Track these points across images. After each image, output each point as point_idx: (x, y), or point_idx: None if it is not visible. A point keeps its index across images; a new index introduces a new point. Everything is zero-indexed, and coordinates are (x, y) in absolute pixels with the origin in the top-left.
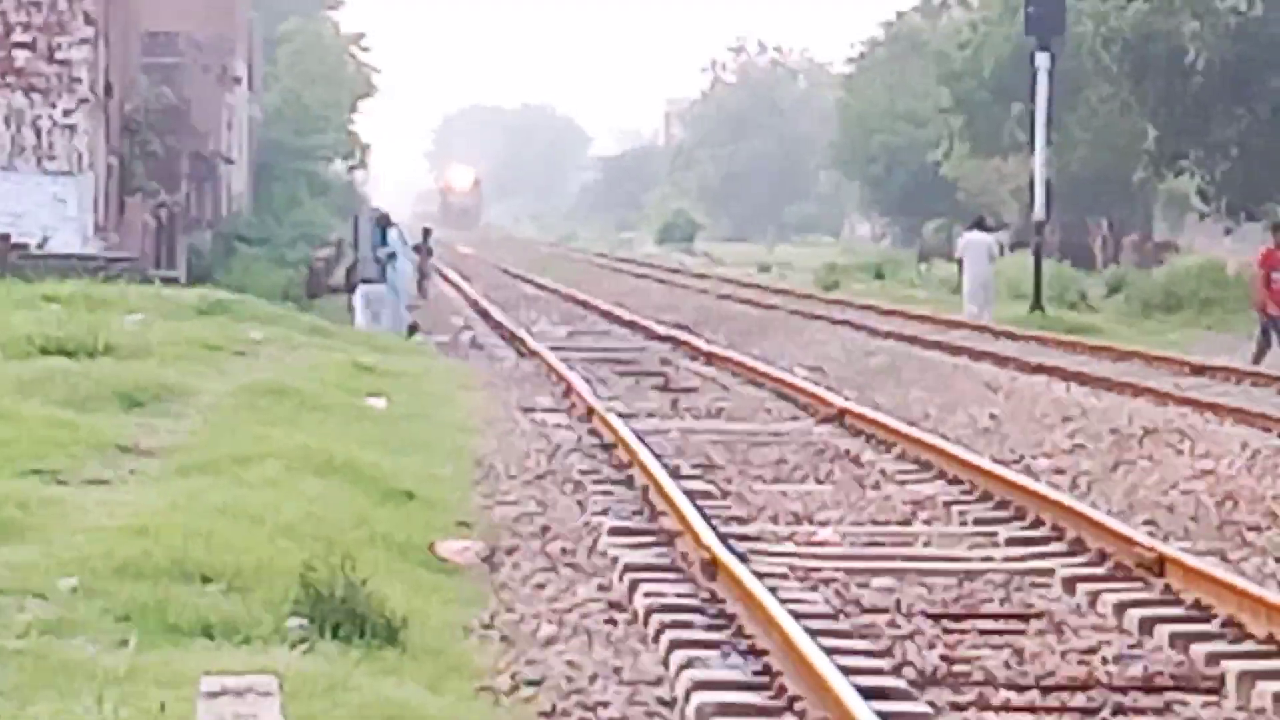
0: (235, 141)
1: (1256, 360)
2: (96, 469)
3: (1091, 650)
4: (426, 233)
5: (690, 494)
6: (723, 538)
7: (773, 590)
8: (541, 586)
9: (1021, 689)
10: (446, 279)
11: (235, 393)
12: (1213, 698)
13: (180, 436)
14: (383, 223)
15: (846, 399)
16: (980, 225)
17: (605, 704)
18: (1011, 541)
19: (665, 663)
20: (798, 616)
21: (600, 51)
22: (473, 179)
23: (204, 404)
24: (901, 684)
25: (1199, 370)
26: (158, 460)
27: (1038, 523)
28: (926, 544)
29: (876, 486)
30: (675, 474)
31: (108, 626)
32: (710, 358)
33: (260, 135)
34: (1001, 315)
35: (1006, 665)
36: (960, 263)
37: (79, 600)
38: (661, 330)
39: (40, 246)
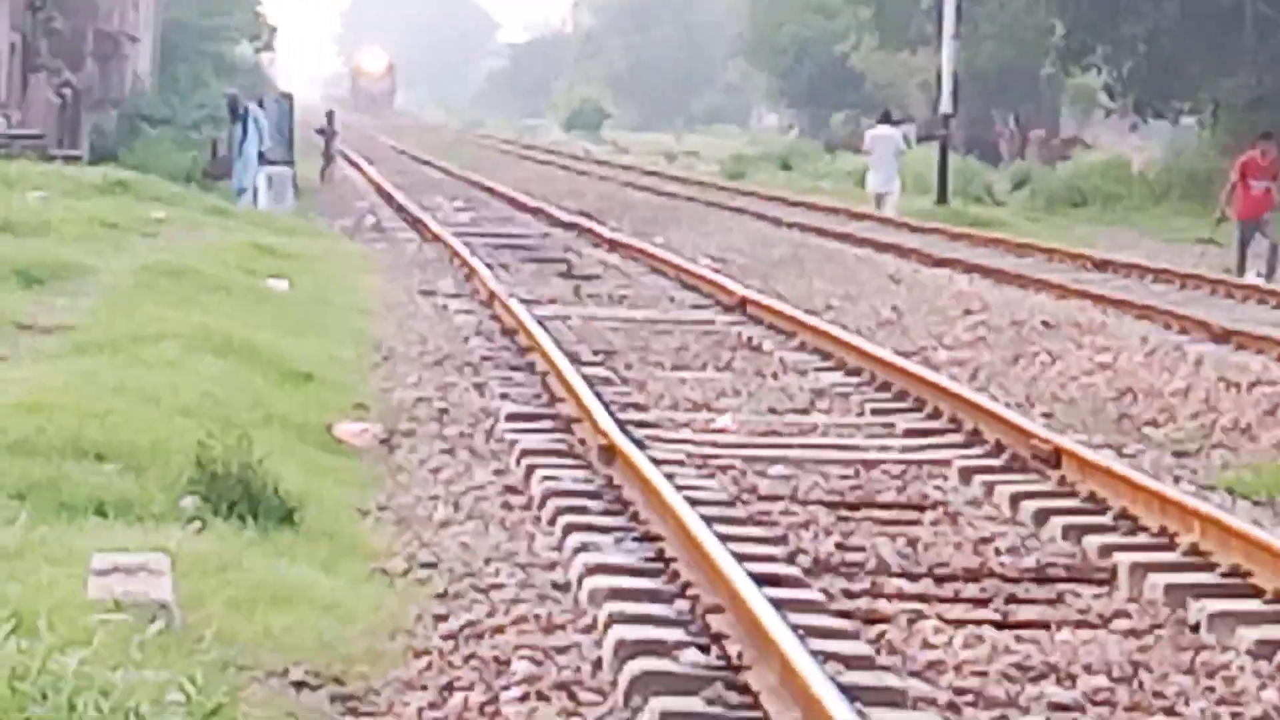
0: (140, 20)
1: (1240, 270)
2: None
3: (985, 541)
4: (330, 116)
5: (589, 380)
6: (621, 424)
7: (669, 477)
8: (438, 470)
9: (915, 578)
10: (351, 162)
11: (135, 272)
12: (1104, 589)
13: (79, 315)
14: (233, 103)
15: (749, 288)
16: (887, 119)
17: (499, 586)
18: (909, 432)
19: (560, 547)
20: (693, 503)
21: None
22: (386, 62)
23: (103, 283)
24: (795, 571)
25: (1101, 265)
26: (55, 338)
27: (936, 414)
28: (824, 433)
29: (776, 376)
30: (575, 360)
31: (1, 503)
32: (614, 245)
33: (166, 15)
34: (907, 208)
35: (900, 555)
36: (868, 155)
37: None
38: (565, 217)
39: None
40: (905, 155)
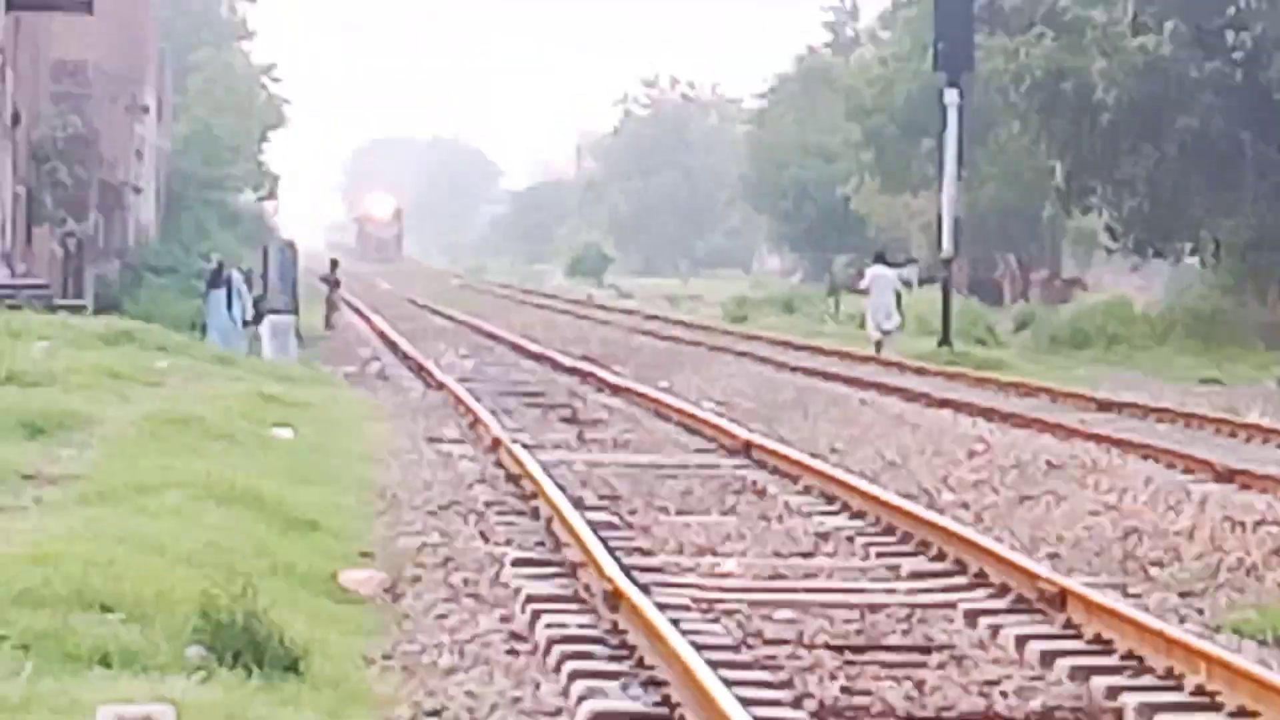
0: (144, 171)
1: None
2: None
3: (992, 683)
4: (333, 264)
5: (594, 525)
6: (626, 569)
7: (674, 622)
8: (444, 617)
9: None
10: (354, 309)
11: (139, 421)
12: None
13: (83, 465)
14: (215, 273)
15: (753, 432)
16: (882, 259)
17: None
18: (914, 575)
19: (565, 693)
20: (699, 648)
21: (512, 83)
22: (393, 207)
23: (108, 432)
24: (802, 716)
25: (1105, 406)
26: (60, 488)
27: (941, 556)
28: (830, 577)
29: (781, 519)
30: (579, 505)
31: (5, 654)
32: (617, 390)
33: (169, 165)
34: (909, 350)
35: (907, 698)
36: (866, 294)
37: None
38: (569, 363)
39: None
40: (903, 295)
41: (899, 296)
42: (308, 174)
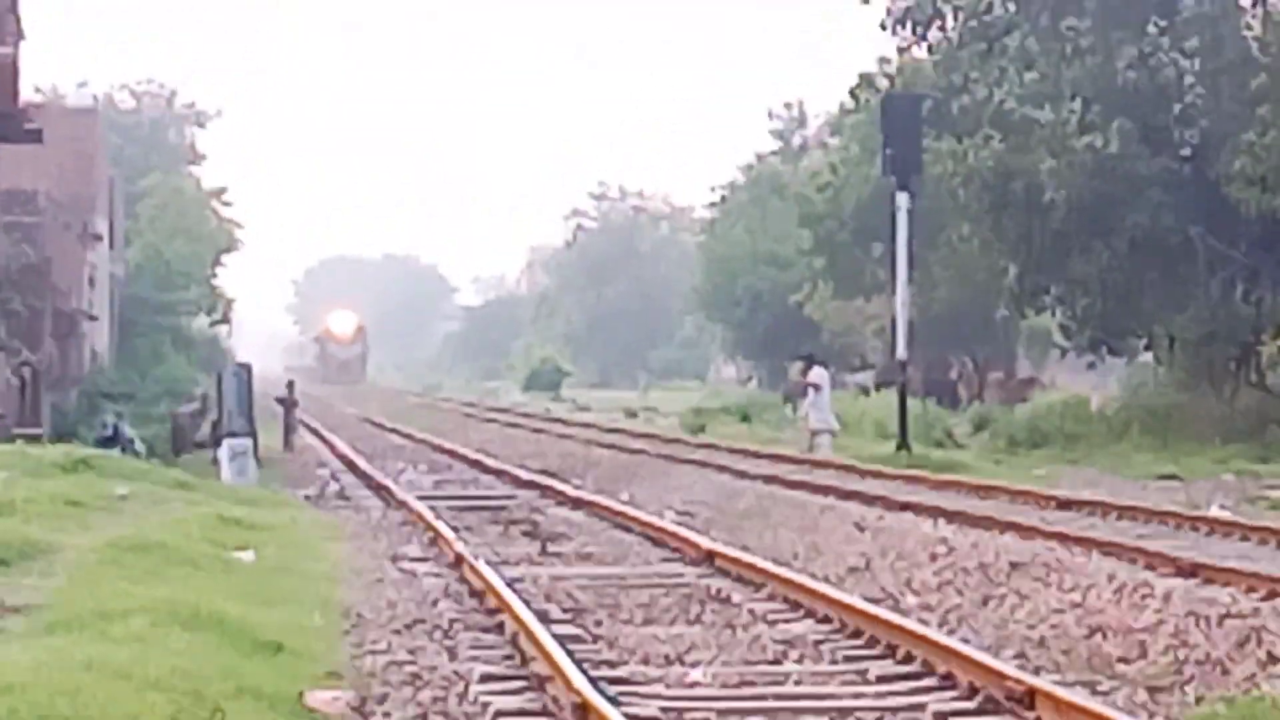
0: (98, 298)
1: None
2: None
3: None
4: (289, 385)
5: (560, 638)
6: (593, 681)
7: None
8: None
9: None
10: (312, 430)
11: (101, 549)
12: None
13: (46, 594)
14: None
15: (715, 541)
16: (812, 359)
17: None
18: (882, 678)
19: None
20: None
21: (462, 200)
22: (355, 324)
23: (69, 561)
24: None
25: (1065, 504)
26: (23, 618)
27: (908, 658)
28: (798, 683)
29: (747, 627)
30: (545, 619)
31: None
32: (578, 503)
33: (123, 291)
34: (868, 454)
35: None
36: (799, 394)
37: None
38: (529, 477)
39: None
40: (844, 396)
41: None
42: (261, 296)
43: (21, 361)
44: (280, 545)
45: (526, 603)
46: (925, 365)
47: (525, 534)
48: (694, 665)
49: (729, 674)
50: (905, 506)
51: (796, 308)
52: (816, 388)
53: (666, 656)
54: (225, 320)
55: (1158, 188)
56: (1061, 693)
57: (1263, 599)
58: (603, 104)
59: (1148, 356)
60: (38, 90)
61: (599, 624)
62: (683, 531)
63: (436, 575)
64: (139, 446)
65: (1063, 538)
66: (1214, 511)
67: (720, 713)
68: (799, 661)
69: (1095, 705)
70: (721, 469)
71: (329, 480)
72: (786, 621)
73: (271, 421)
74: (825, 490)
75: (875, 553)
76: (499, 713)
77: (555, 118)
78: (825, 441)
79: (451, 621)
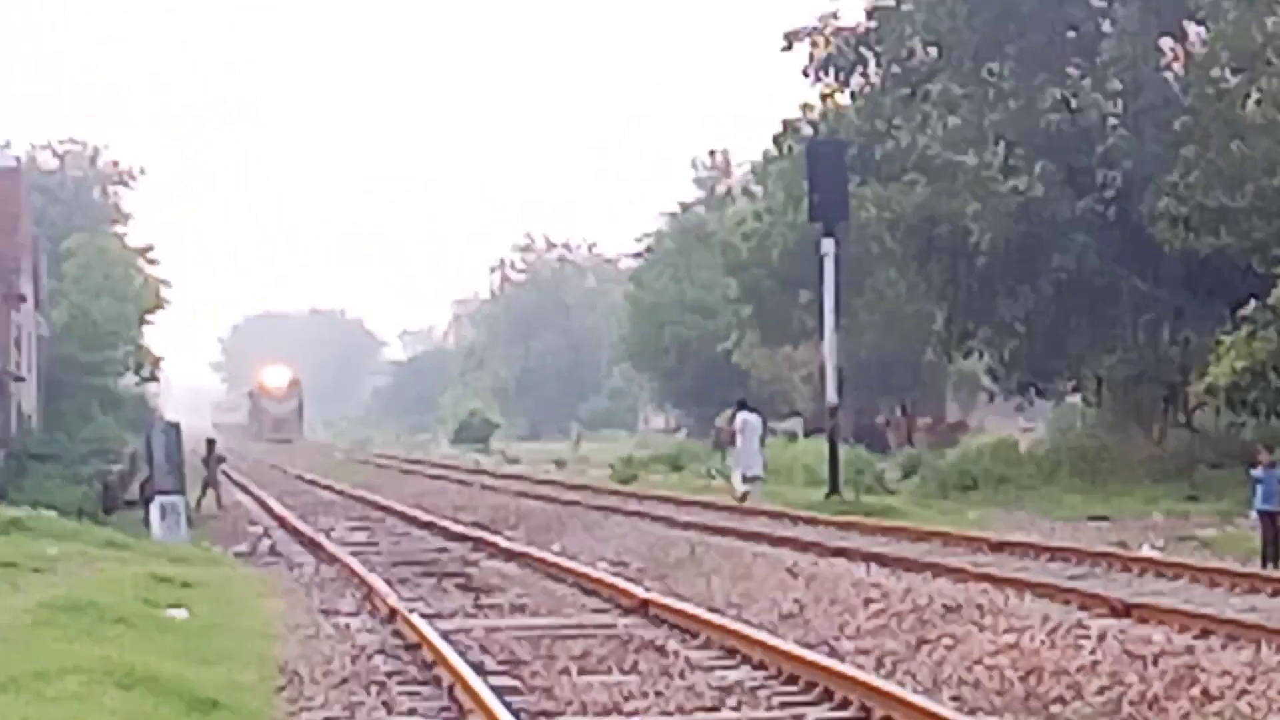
0: (24, 359)
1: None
2: None
3: None
4: (210, 443)
5: (497, 690)
6: None
7: None
8: None
9: None
10: (241, 487)
11: (33, 609)
12: None
13: None
14: None
15: (648, 590)
16: (745, 405)
17: None
18: None
19: None
20: None
21: (387, 252)
22: (290, 378)
23: (1, 622)
24: None
25: (997, 547)
26: None
27: (845, 703)
28: None
29: (683, 675)
30: (480, 671)
31: None
32: (511, 555)
33: (49, 352)
34: (799, 500)
35: None
36: (727, 440)
37: None
38: (460, 530)
39: None
40: (775, 443)
41: (762, 441)
42: (188, 353)
43: None
44: (213, 602)
45: (462, 654)
46: (854, 411)
47: (459, 586)
48: (631, 714)
49: None
50: (838, 552)
51: (724, 356)
52: (732, 435)
53: (604, 706)
54: (153, 378)
55: (1082, 230)
56: None
57: (1196, 637)
58: (526, 154)
59: (1076, 398)
60: None
61: (535, 674)
62: (617, 581)
63: (371, 630)
64: None
65: (996, 580)
66: (1145, 551)
67: None
68: (736, 709)
69: None
70: (653, 518)
71: (260, 537)
72: (723, 669)
73: (199, 479)
74: (757, 537)
75: (809, 599)
76: None
77: (478, 168)
78: (744, 488)
79: (388, 675)
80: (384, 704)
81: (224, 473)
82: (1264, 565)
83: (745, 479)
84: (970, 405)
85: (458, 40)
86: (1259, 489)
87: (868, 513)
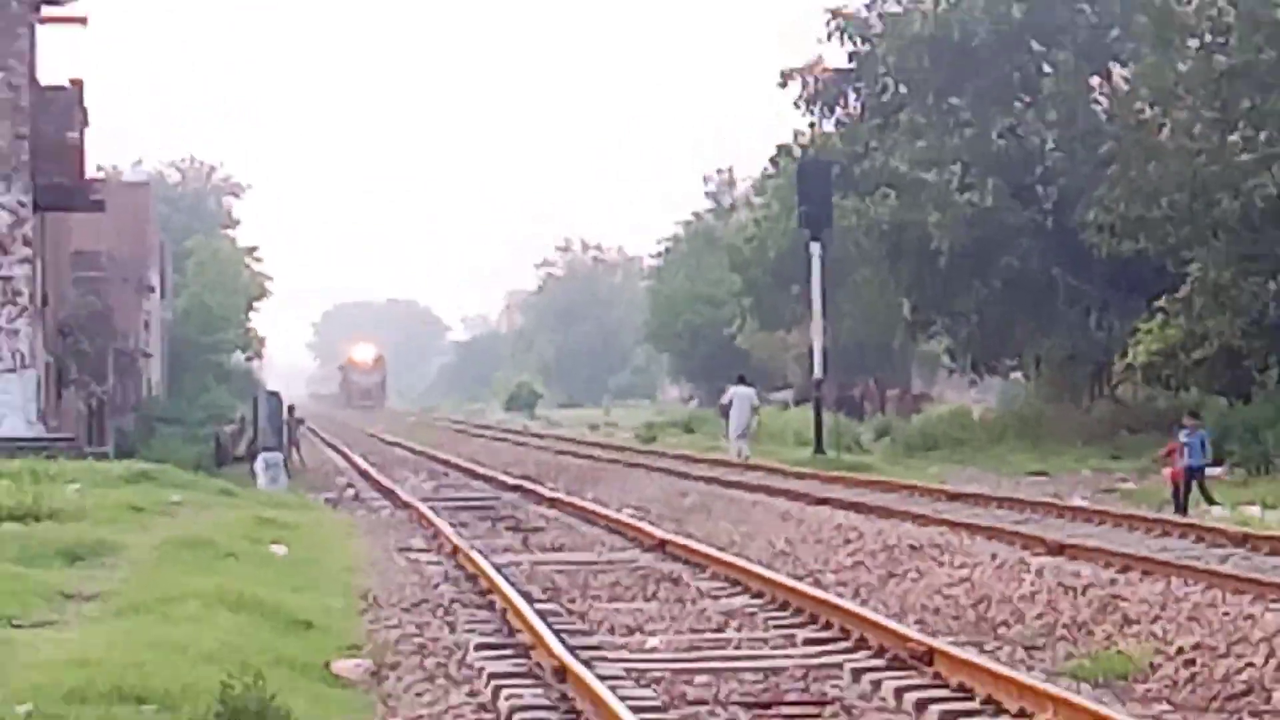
0: (152, 339)
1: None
2: (45, 613)
3: None
4: (290, 409)
5: (541, 613)
6: (569, 648)
7: (613, 689)
8: (420, 695)
9: None
10: (330, 445)
11: (159, 546)
12: None
13: (114, 584)
14: None
15: (666, 531)
16: (742, 380)
17: None
18: (808, 641)
19: None
20: (635, 710)
21: (452, 252)
22: (375, 354)
23: (133, 556)
24: None
25: (954, 497)
26: (96, 604)
27: (828, 625)
28: (737, 647)
29: (694, 601)
30: (528, 598)
31: None
32: (553, 502)
33: (172, 334)
34: (788, 458)
35: None
36: (727, 408)
37: None
38: (511, 481)
39: None
40: (769, 410)
41: (756, 411)
42: (286, 335)
43: (89, 393)
44: (307, 540)
45: (512, 584)
46: (836, 385)
47: (509, 528)
48: (651, 634)
49: (680, 640)
50: (822, 501)
51: (729, 339)
52: (727, 405)
53: (629, 627)
54: (257, 356)
55: (1025, 236)
56: (955, 651)
57: (1118, 572)
58: (568, 171)
59: (1019, 375)
60: (99, 168)
61: (572, 601)
62: (639, 524)
63: (437, 564)
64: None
65: (952, 524)
66: (1076, 501)
67: (674, 672)
68: (738, 629)
69: (983, 661)
70: (670, 473)
71: (346, 486)
72: (727, 596)
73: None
74: (756, 488)
75: (798, 539)
76: (492, 674)
77: (530, 183)
78: (737, 448)
79: (451, 601)
80: (448, 625)
81: (312, 431)
82: (1177, 511)
83: (738, 439)
84: (932, 380)
85: (512, 80)
86: (1186, 449)
87: (847, 468)
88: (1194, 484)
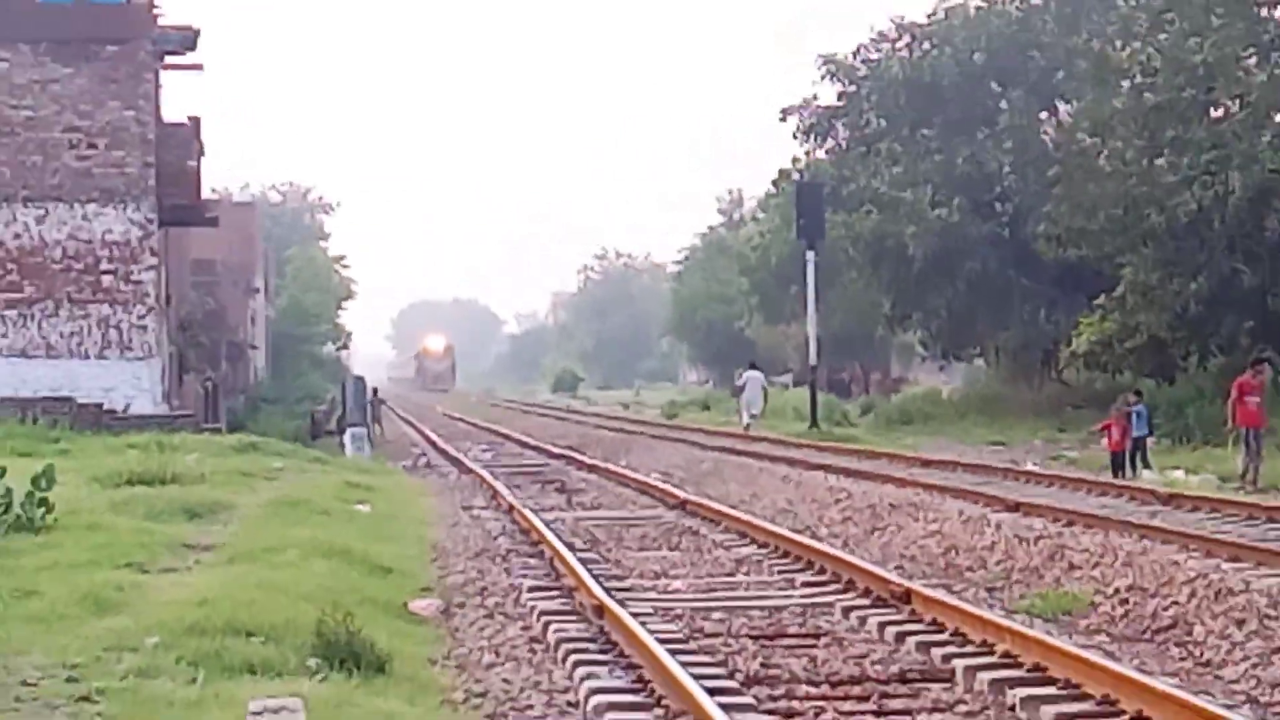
0: (257, 333)
1: (1245, 473)
2: (169, 561)
3: (863, 656)
4: (374, 390)
5: (583, 561)
6: (607, 589)
7: (643, 623)
8: (483, 629)
9: (816, 684)
10: (405, 420)
11: (264, 505)
12: (947, 684)
13: (227, 536)
14: None
15: (687, 492)
16: (753, 366)
17: (530, 706)
18: (806, 584)
19: (571, 677)
20: (661, 641)
21: (506, 258)
22: (446, 344)
23: (242, 513)
24: (734, 684)
25: (927, 464)
26: (212, 553)
27: (822, 571)
28: (747, 589)
29: (710, 551)
30: (572, 548)
31: (182, 669)
32: (592, 468)
33: (274, 328)
34: (788, 431)
35: (805, 669)
36: (741, 388)
37: (161, 652)
38: (557, 451)
39: (125, 410)
40: (773, 391)
41: (765, 392)
42: (369, 329)
43: (206, 378)
44: (387, 500)
45: (558, 536)
46: (828, 369)
47: (556, 490)
48: (675, 578)
49: (699, 583)
50: (817, 466)
51: (739, 331)
52: (741, 387)
53: (656, 572)
54: (345, 347)
55: (985, 245)
56: (928, 591)
57: (1064, 525)
58: (605, 191)
59: (980, 361)
60: (214, 191)
61: (609, 550)
62: (665, 486)
63: (496, 519)
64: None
65: (925, 486)
66: (1029, 466)
67: (694, 609)
68: (747, 574)
69: (951, 600)
70: (690, 443)
71: (419, 455)
72: (738, 546)
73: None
74: (762, 456)
75: (797, 499)
76: (542, 612)
77: (571, 199)
78: (746, 421)
79: (507, 551)
80: (505, 570)
81: (390, 409)
82: (1114, 475)
83: (750, 416)
84: (908, 365)
85: (556, 105)
86: (1135, 418)
87: (837, 440)
88: (1139, 450)
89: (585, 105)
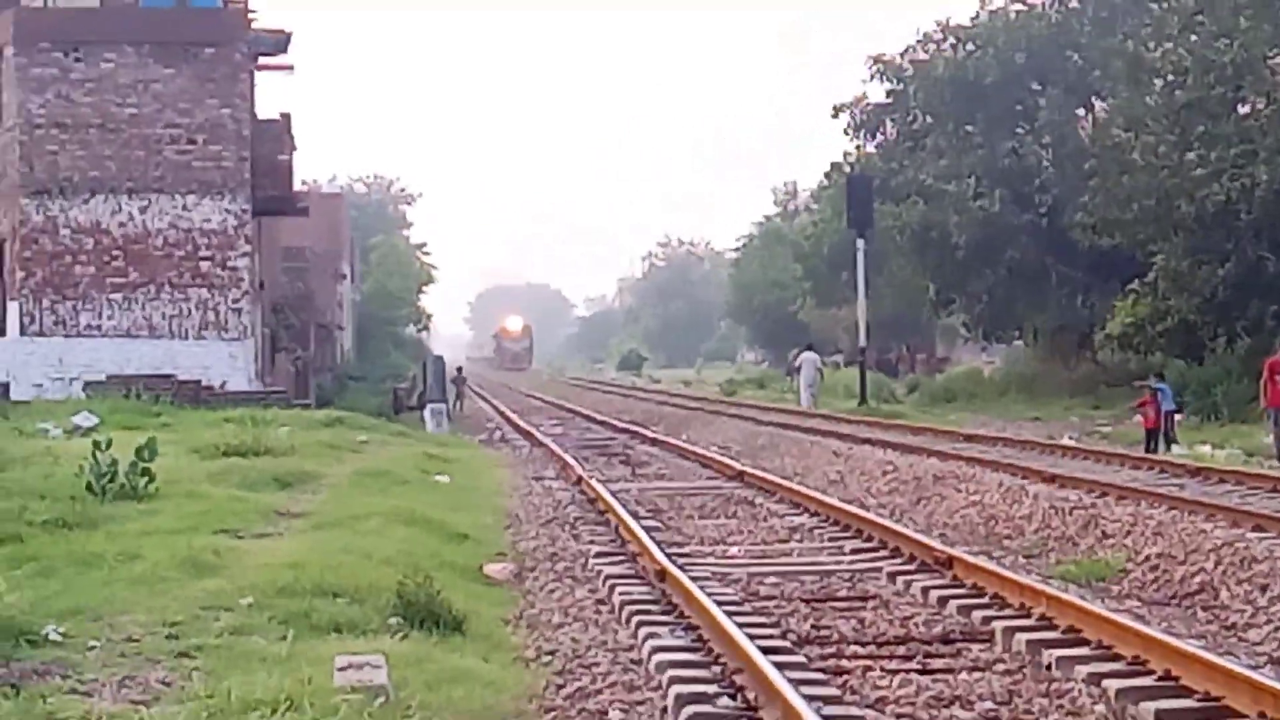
0: (344, 316)
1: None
2: (262, 527)
3: (908, 618)
4: (459, 369)
5: (646, 529)
6: (668, 555)
7: (702, 587)
8: (553, 592)
9: (864, 644)
10: (481, 397)
11: (350, 475)
12: (986, 645)
13: (315, 504)
14: None
15: (744, 465)
16: (810, 348)
17: (596, 664)
18: (854, 551)
19: (635, 636)
20: (719, 603)
21: (578, 244)
22: (523, 325)
23: (330, 483)
24: (787, 644)
25: (969, 438)
26: (302, 520)
27: (870, 539)
28: (800, 555)
29: (765, 519)
30: (636, 516)
31: (273, 628)
32: (655, 442)
33: (360, 311)
34: (839, 407)
35: (854, 630)
36: (798, 370)
37: (254, 611)
38: (622, 425)
39: (221, 387)
40: (825, 371)
41: (821, 372)
42: (448, 312)
43: (296, 356)
44: (464, 471)
45: (624, 505)
46: (876, 350)
47: (621, 462)
48: (732, 545)
49: (755, 549)
50: (866, 441)
51: (793, 315)
52: (798, 368)
53: (714, 539)
54: (426, 328)
55: (1025, 233)
56: (969, 558)
57: (1098, 496)
58: (671, 183)
59: (1020, 342)
60: (304, 182)
61: (670, 518)
62: (722, 459)
63: (565, 490)
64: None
65: (967, 459)
66: (1065, 440)
67: (750, 574)
68: (800, 541)
69: (991, 565)
70: (746, 419)
71: (494, 430)
72: (792, 515)
73: (451, 390)
74: (814, 431)
75: (847, 471)
76: (608, 577)
77: (639, 192)
78: (806, 400)
79: (575, 519)
80: (574, 536)
81: (471, 388)
82: (1147, 450)
83: (810, 394)
84: (952, 346)
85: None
86: (1161, 396)
87: (885, 416)
88: (1168, 424)
89: (585, 106)
